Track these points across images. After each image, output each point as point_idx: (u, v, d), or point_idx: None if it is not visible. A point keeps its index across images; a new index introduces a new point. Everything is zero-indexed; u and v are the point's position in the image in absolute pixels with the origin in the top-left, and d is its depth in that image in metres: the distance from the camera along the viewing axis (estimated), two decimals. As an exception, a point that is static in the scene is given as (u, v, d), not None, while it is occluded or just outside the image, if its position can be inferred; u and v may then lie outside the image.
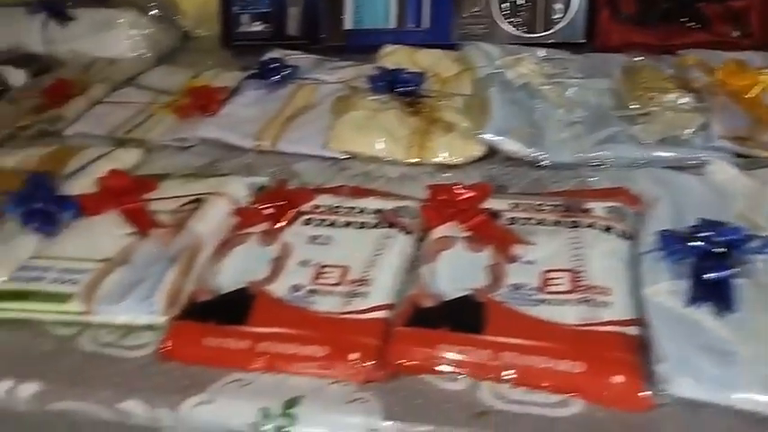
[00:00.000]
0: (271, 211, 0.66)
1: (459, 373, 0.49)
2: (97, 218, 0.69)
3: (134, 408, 0.51)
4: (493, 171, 0.77)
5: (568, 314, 0.51)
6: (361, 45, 1.11)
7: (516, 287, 0.54)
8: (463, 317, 0.52)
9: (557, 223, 0.61)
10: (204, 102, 0.93)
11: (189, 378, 0.53)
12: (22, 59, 1.11)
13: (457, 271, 0.57)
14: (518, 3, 1.07)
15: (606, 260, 0.56)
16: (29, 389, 0.54)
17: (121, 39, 1.11)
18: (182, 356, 0.54)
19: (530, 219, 0.62)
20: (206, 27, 1.23)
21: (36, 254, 0.65)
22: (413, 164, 0.79)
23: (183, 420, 0.51)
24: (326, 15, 1.13)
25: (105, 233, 0.67)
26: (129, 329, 0.57)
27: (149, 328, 0.57)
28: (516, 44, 0.99)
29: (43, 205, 0.68)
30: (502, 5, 1.07)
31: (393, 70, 0.91)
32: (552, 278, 0.54)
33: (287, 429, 0.48)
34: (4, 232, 0.67)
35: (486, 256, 0.58)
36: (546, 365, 0.48)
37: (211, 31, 1.22)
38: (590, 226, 0.60)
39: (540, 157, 0.75)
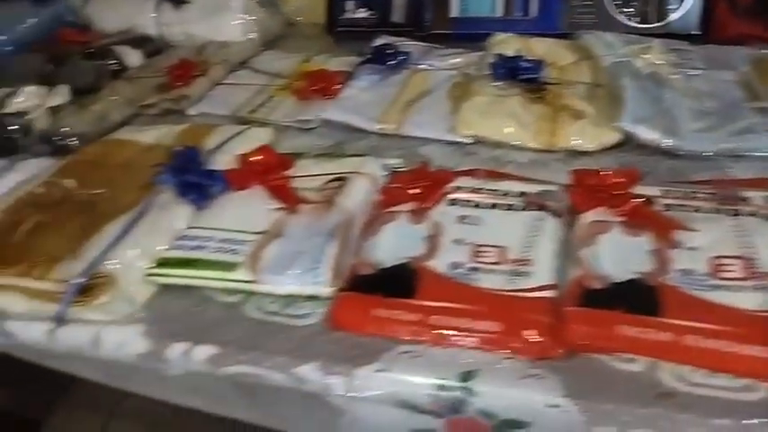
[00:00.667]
0: (417, 190, 0.67)
1: (639, 354, 0.50)
2: (243, 192, 0.72)
3: (309, 373, 0.53)
4: (626, 159, 0.77)
5: (747, 300, 0.51)
6: (467, 33, 1.12)
7: (685, 272, 0.54)
8: (637, 299, 0.52)
9: (716, 211, 0.60)
10: (323, 85, 0.95)
11: (360, 347, 0.54)
12: (136, 41, 1.15)
13: (619, 254, 0.57)
14: (630, -8, 1.05)
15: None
16: (204, 352, 0.56)
17: (232, 23, 1.14)
18: (351, 326, 0.55)
19: (685, 205, 0.62)
20: (307, 13, 1.25)
21: (192, 224, 0.67)
22: (542, 150, 0.80)
23: (357, 388, 0.52)
24: (432, 3, 1.13)
25: (255, 207, 0.69)
26: (291, 299, 0.60)
27: (313, 298, 0.59)
28: (629, 34, 0.98)
29: (197, 178, 0.71)
30: (614, -6, 1.06)
31: (513, 57, 0.91)
32: (723, 264, 0.54)
33: (467, 401, 0.49)
34: (159, 202, 0.70)
35: (645, 240, 0.58)
36: (731, 350, 0.48)
37: (313, 18, 1.24)
38: (752, 215, 0.59)
39: (678, 147, 0.74)
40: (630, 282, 0.54)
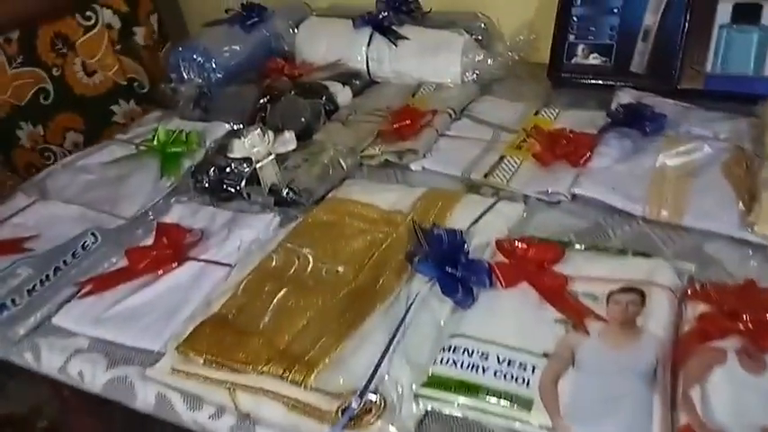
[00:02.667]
0: (744, 321, 0.54)
1: None
2: (512, 292, 0.61)
3: None
4: None
5: None
6: (725, 92, 0.96)
7: None
8: None
9: None
10: (567, 150, 0.83)
11: None
12: (346, 76, 1.09)
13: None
14: None
15: None
16: None
17: (451, 63, 1.05)
18: None
19: None
20: (528, 52, 1.13)
21: (460, 330, 0.58)
22: None
23: None
24: (682, 54, 0.98)
25: (531, 315, 0.58)
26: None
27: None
28: None
29: (462, 271, 0.61)
30: None
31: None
32: None
33: None
34: (418, 297, 0.61)
35: None
36: None
37: (533, 57, 1.13)
38: None
39: None
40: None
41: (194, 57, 1.10)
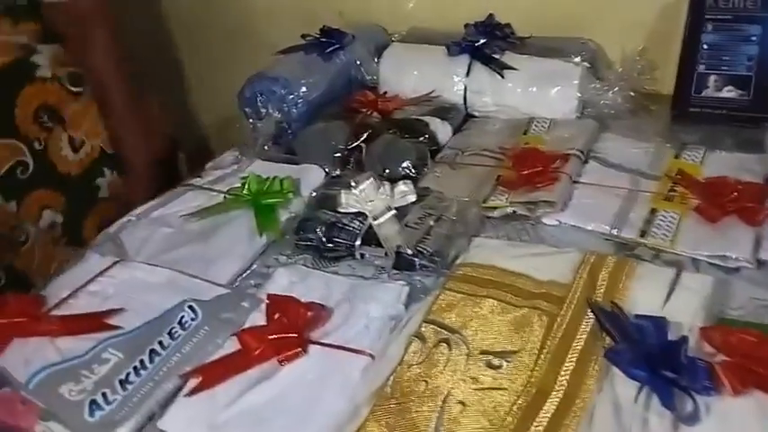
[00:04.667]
0: None
1: None
2: (741, 401, 0.49)
3: None
4: None
5: None
6: None
7: None
8: None
9: None
10: (741, 205, 0.70)
11: None
12: (442, 111, 0.97)
13: None
14: None
15: None
16: None
17: (568, 96, 0.93)
18: None
19: None
20: (641, 84, 1.01)
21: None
22: None
23: None
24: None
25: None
26: None
27: None
28: None
29: (675, 374, 0.49)
30: None
31: None
32: None
33: None
34: (611, 401, 0.49)
35: None
36: None
37: (655, 86, 1.01)
38: None
39: None
40: None
41: (273, 89, 0.98)
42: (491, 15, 1.07)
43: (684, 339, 0.50)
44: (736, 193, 0.72)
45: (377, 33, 1.15)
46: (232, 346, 0.61)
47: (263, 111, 0.99)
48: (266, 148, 0.96)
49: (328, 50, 1.07)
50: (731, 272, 0.66)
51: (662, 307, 0.57)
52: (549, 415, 0.49)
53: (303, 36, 1.10)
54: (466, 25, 1.07)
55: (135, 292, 0.69)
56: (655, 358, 0.49)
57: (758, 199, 0.71)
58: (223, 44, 1.41)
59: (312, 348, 0.59)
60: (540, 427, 0.48)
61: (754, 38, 0.91)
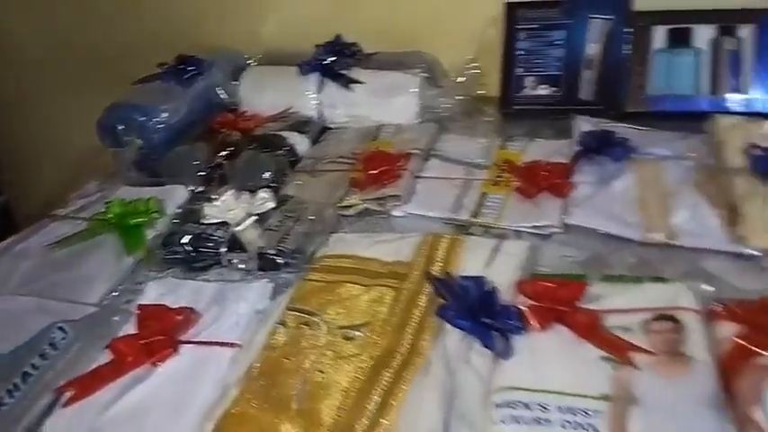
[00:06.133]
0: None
1: None
2: (545, 335, 0.60)
3: None
4: None
5: None
6: (668, 112, 1.01)
7: None
8: None
9: None
10: (550, 182, 0.83)
11: None
12: (299, 125, 1.05)
13: None
14: None
15: None
16: None
17: (410, 104, 1.04)
18: None
19: None
20: (472, 89, 1.14)
21: (506, 383, 0.55)
22: None
23: None
24: (627, 79, 1.03)
25: (575, 357, 0.57)
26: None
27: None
28: None
29: (496, 320, 0.59)
30: (843, 70, 0.95)
31: (774, 148, 0.80)
32: None
33: None
34: (452, 353, 0.58)
35: None
36: None
37: (478, 93, 1.14)
38: None
39: None
40: None
41: (133, 117, 1.02)
42: (338, 36, 1.16)
43: (496, 290, 0.61)
44: (547, 173, 0.85)
45: (234, 58, 1.21)
46: (106, 357, 0.64)
47: (125, 139, 1.02)
48: (130, 174, 0.99)
49: (186, 77, 1.12)
50: (546, 238, 0.79)
51: (484, 270, 0.67)
52: (393, 370, 0.57)
53: (160, 65, 1.14)
54: (316, 46, 1.15)
55: (3, 322, 0.70)
56: (475, 309, 0.59)
57: (564, 175, 0.84)
58: (80, 76, 1.41)
59: (184, 348, 0.64)
60: (385, 381, 0.56)
61: (559, 42, 1.07)
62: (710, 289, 0.64)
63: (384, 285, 0.68)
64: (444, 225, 0.83)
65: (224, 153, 0.95)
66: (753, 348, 0.55)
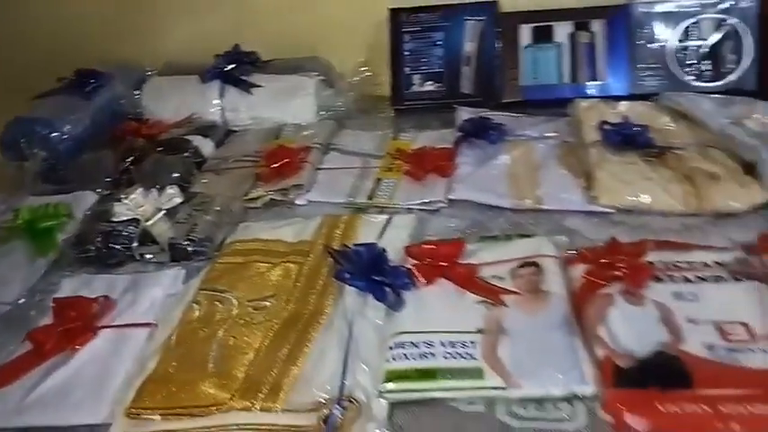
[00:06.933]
0: (622, 269, 0.67)
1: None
2: (431, 288, 0.68)
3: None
4: (774, 218, 0.80)
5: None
6: (539, 100, 1.14)
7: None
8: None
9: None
10: (436, 165, 0.93)
11: (654, 447, 0.52)
12: (203, 129, 1.10)
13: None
14: (692, 54, 1.11)
15: None
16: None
17: (306, 105, 1.11)
18: (637, 425, 0.53)
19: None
20: (369, 88, 1.23)
21: (398, 329, 0.63)
22: (689, 214, 0.81)
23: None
24: (501, 73, 1.15)
25: (455, 303, 0.66)
26: (542, 401, 0.57)
27: (572, 398, 0.56)
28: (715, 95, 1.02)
29: (387, 278, 0.67)
30: (677, 56, 1.12)
31: (622, 124, 0.93)
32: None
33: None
34: (351, 309, 0.66)
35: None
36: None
37: (375, 91, 1.23)
38: None
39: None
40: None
41: (35, 130, 1.03)
42: (237, 45, 1.22)
43: (385, 252, 0.69)
44: (433, 157, 0.95)
45: (133, 70, 1.24)
46: (26, 348, 0.67)
47: (28, 152, 1.03)
48: (36, 186, 1.01)
49: (87, 89, 1.14)
50: (434, 212, 0.88)
51: (378, 240, 0.76)
52: (299, 329, 0.64)
53: (59, 79, 1.16)
54: (216, 56, 1.21)
55: None
56: (368, 269, 0.67)
57: (448, 159, 0.95)
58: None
59: (103, 332, 0.68)
60: (292, 338, 0.63)
61: (439, 42, 1.18)
62: (566, 240, 0.76)
63: (289, 262, 0.75)
64: (344, 209, 0.90)
65: (130, 159, 0.99)
66: (599, 282, 0.66)
